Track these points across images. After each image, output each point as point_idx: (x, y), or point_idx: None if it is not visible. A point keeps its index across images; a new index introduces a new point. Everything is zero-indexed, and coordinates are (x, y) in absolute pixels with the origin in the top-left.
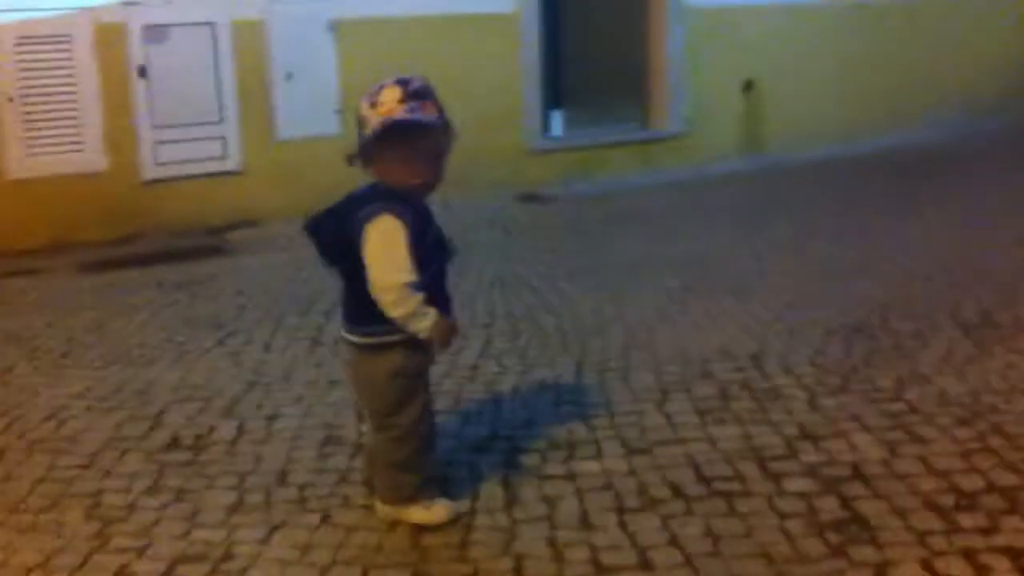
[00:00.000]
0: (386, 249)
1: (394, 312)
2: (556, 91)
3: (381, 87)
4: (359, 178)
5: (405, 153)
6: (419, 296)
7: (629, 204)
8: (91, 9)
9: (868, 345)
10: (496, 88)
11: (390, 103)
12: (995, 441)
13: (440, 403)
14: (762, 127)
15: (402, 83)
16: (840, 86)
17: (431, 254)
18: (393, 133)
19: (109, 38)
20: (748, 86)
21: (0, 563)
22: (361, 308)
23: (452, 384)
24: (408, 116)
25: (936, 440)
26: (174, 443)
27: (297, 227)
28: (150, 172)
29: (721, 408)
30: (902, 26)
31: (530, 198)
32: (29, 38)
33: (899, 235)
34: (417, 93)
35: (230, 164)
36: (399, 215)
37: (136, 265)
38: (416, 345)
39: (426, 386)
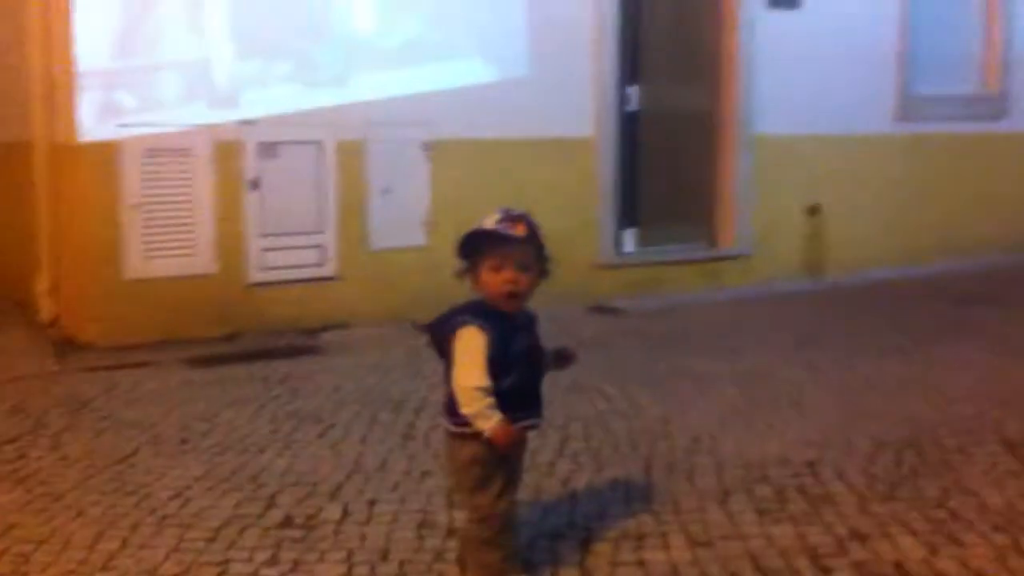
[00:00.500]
0: (465, 355)
1: (464, 410)
2: (629, 209)
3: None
4: (446, 285)
5: (492, 263)
6: (487, 400)
7: (695, 318)
8: (212, 126)
9: (917, 458)
10: (573, 206)
11: (487, 222)
12: None
13: (521, 494)
14: (824, 250)
15: (504, 210)
16: (898, 214)
17: (515, 362)
18: (480, 243)
19: (226, 153)
20: (813, 211)
21: None
22: (451, 401)
23: (532, 478)
24: (493, 227)
25: (975, 544)
26: (287, 522)
27: (386, 330)
28: (255, 276)
29: (778, 509)
30: (956, 158)
31: (601, 310)
32: (155, 151)
33: (949, 358)
34: (511, 216)
35: (327, 271)
36: (481, 327)
37: (240, 361)
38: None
39: (510, 475)
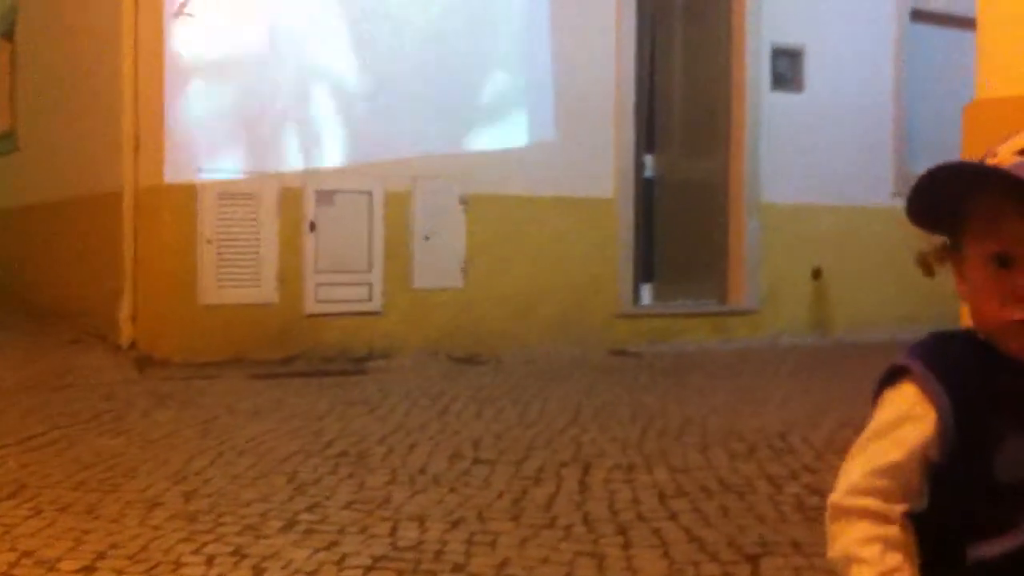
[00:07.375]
0: (868, 436)
1: (829, 553)
2: (647, 266)
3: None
4: (478, 321)
5: (996, 244)
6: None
7: (703, 360)
8: (278, 174)
9: None
10: (595, 259)
11: (1005, 154)
12: None
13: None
14: (828, 310)
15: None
16: (897, 280)
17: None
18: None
19: (289, 198)
20: (816, 274)
21: None
22: None
23: (543, 435)
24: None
25: None
26: (343, 454)
27: (424, 358)
28: (311, 307)
29: (748, 455)
30: None
31: (619, 353)
32: (227, 194)
33: None
34: None
35: (373, 306)
36: (933, 390)
37: (298, 377)
38: None
39: None
